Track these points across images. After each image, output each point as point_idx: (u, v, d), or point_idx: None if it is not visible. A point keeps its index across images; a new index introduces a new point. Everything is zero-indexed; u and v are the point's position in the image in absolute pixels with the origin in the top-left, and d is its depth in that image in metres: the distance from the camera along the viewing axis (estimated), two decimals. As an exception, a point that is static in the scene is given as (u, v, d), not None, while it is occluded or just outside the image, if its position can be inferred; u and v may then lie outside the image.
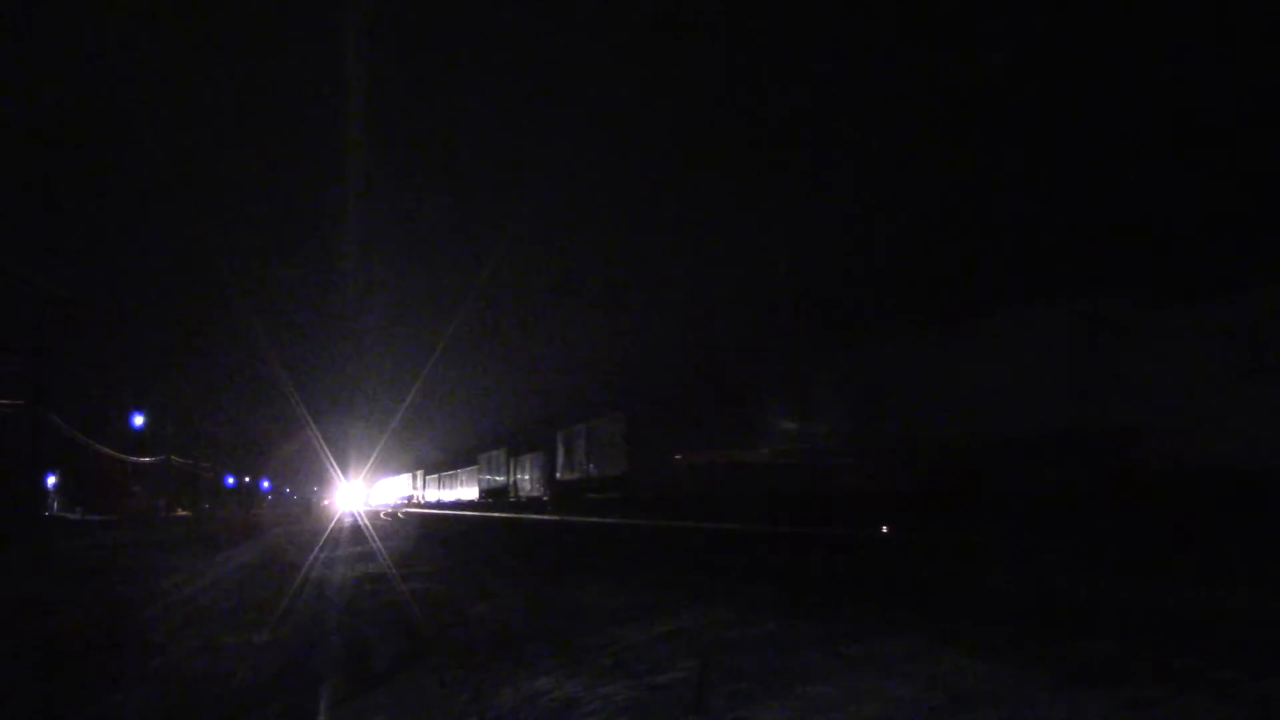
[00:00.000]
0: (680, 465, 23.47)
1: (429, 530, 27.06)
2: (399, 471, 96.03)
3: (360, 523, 33.89)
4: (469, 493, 58.89)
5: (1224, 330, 9.77)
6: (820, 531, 14.03)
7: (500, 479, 48.82)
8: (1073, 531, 10.36)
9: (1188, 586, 6.73)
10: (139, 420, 53.57)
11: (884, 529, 13.38)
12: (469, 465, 59.88)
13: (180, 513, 56.95)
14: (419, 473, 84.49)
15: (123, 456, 51.08)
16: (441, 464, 73.75)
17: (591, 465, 31.32)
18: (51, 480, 44.95)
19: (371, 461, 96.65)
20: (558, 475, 35.87)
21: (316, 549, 18.67)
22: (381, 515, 49.56)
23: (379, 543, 19.53)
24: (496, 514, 38.70)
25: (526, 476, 43.29)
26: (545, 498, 38.31)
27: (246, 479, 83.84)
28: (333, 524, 34.79)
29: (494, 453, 51.49)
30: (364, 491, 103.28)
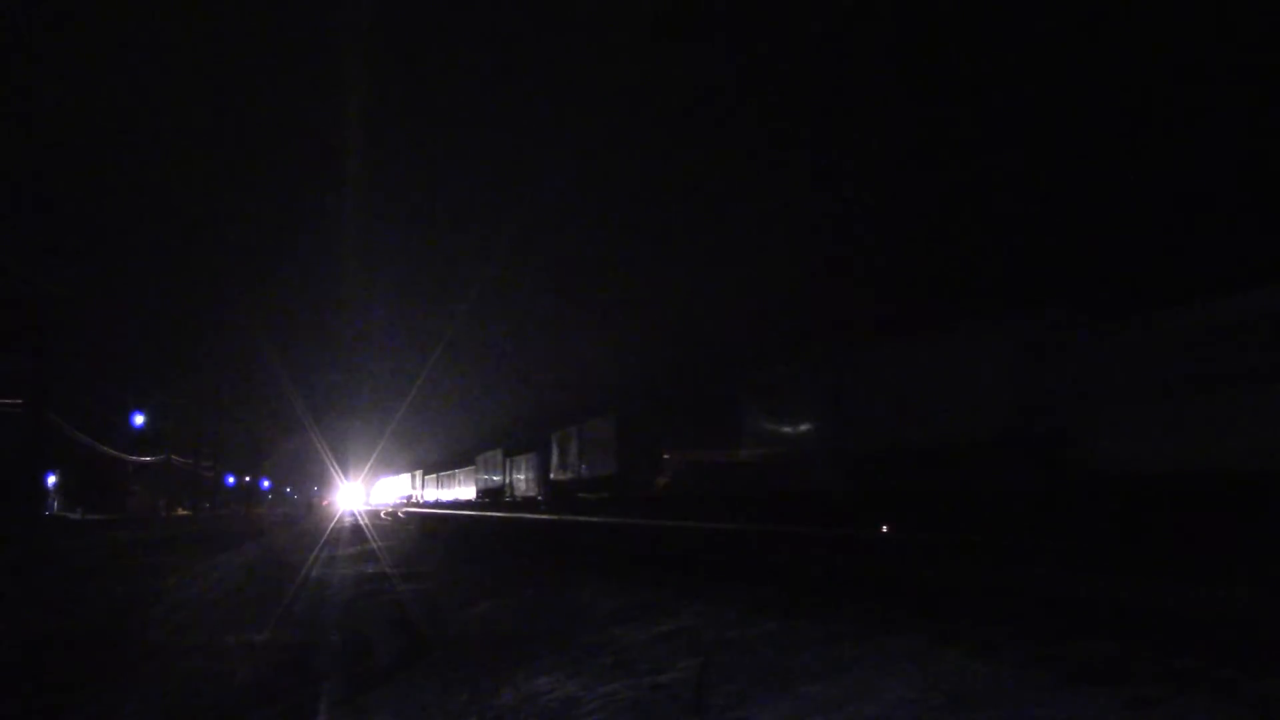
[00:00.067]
0: (668, 465, 24.27)
1: (428, 530, 27.07)
2: (398, 471, 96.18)
3: (360, 522, 33.92)
4: (466, 492, 59.29)
5: (1162, 343, 10.30)
6: (819, 532, 14.05)
7: (497, 478, 49.24)
8: (1013, 530, 10.86)
9: (1188, 586, 6.73)
10: (139, 419, 53.60)
11: (884, 529, 13.38)
12: (467, 465, 60.26)
13: (180, 512, 56.97)
14: (418, 472, 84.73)
15: (123, 456, 51.11)
16: (440, 464, 74.08)
17: (584, 466, 31.97)
18: (52, 480, 44.97)
19: (371, 461, 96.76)
20: (552, 475, 36.54)
21: (317, 548, 18.68)
22: (382, 515, 49.63)
23: (379, 542, 19.54)
24: (492, 513, 38.99)
25: (522, 476, 43.88)
26: (540, 497, 38.80)
27: (247, 478, 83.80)
28: (333, 523, 34.80)
29: (491, 453, 51.94)
30: (364, 491, 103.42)
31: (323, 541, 21.16)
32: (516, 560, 13.47)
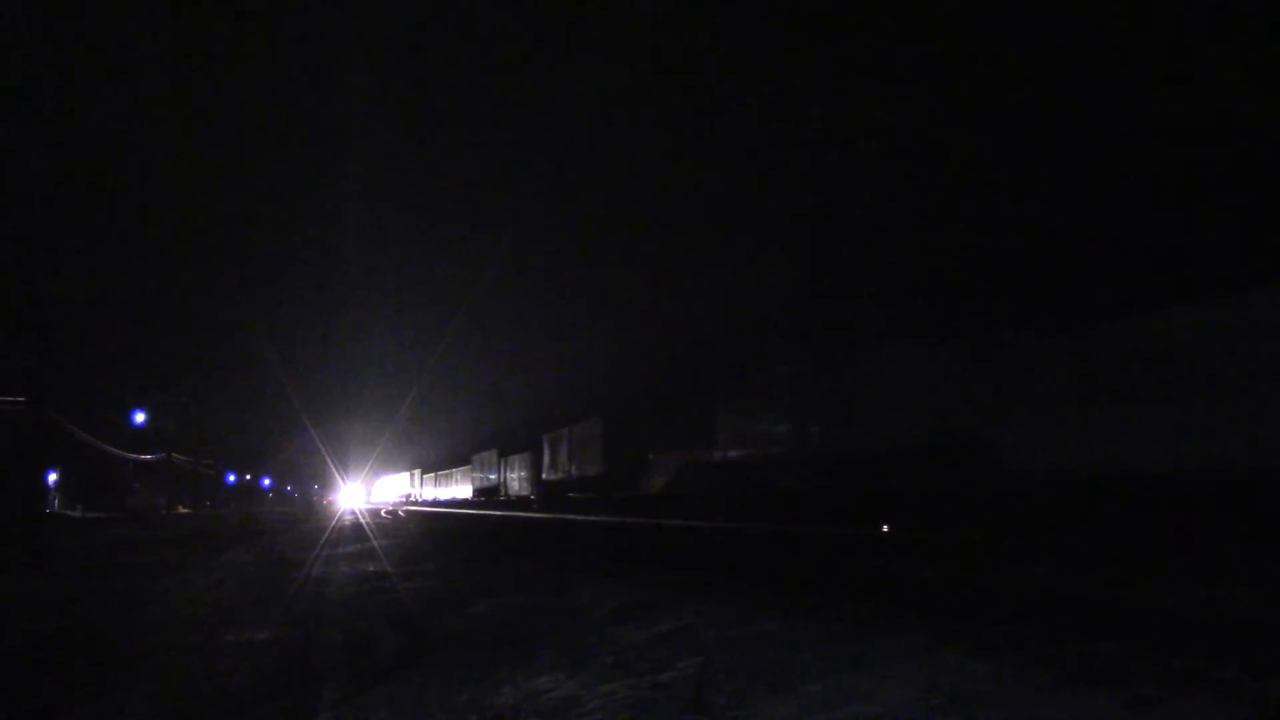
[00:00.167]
0: (653, 466, 25.38)
1: (428, 528, 27.10)
2: (398, 470, 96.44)
3: (361, 521, 33.97)
4: (463, 491, 60.16)
5: (1067, 359, 11.81)
6: (818, 531, 14.17)
7: (493, 478, 50.15)
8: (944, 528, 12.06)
9: (1189, 586, 6.75)
10: (140, 418, 53.63)
11: (884, 528, 13.46)
12: (463, 465, 60.94)
13: (181, 510, 56.97)
14: (417, 471, 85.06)
15: (124, 454, 51.12)
16: (438, 464, 74.57)
17: (573, 466, 32.87)
18: (52, 477, 44.97)
19: (372, 461, 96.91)
20: (544, 475, 37.54)
21: (318, 547, 18.69)
22: (382, 513, 49.73)
23: (380, 541, 19.56)
24: (488, 511, 39.64)
25: (515, 476, 44.91)
26: (532, 496, 39.76)
27: (248, 476, 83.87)
28: (334, 522, 34.84)
29: (487, 453, 52.85)
30: (364, 490, 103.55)
31: (323, 540, 21.17)
32: (516, 559, 13.48)
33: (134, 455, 52.93)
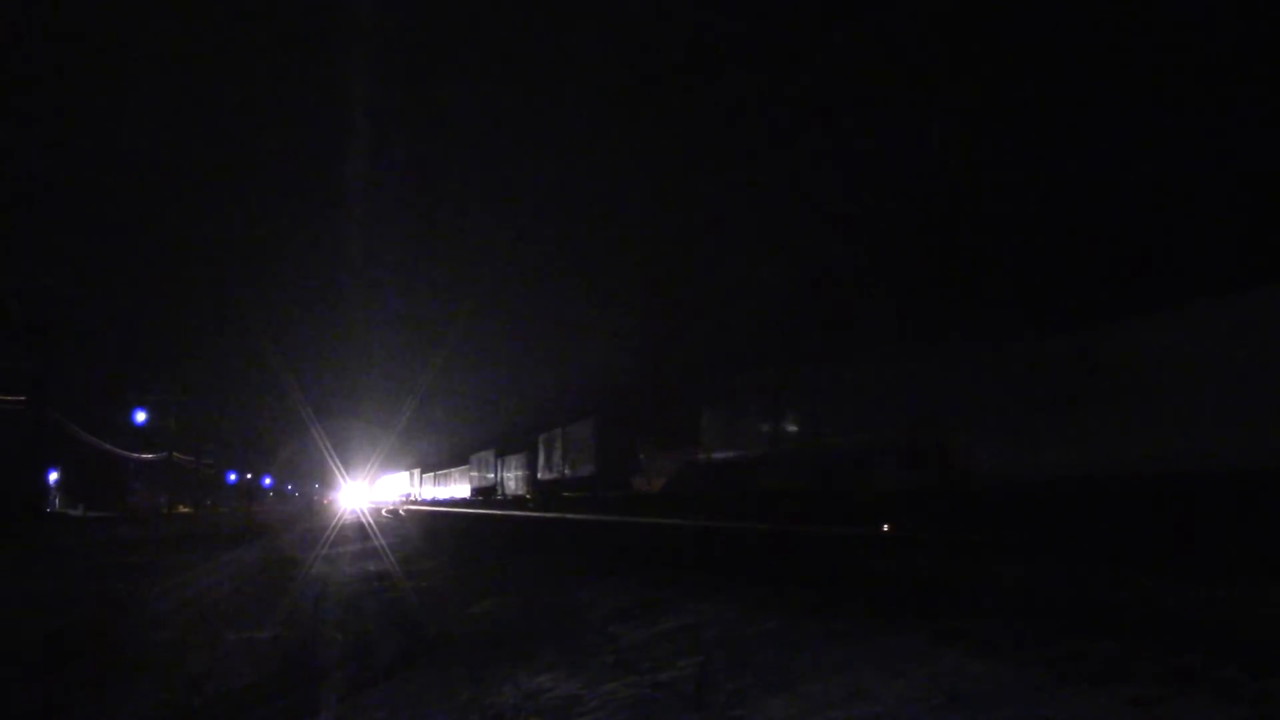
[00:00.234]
0: (644, 465, 25.91)
1: (427, 527, 27.13)
2: (398, 470, 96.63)
3: (363, 520, 34.00)
4: (461, 491, 60.57)
5: (1030, 367, 12.41)
6: (818, 531, 14.21)
7: (490, 477, 50.61)
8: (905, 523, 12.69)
9: (1189, 586, 6.74)
10: (141, 417, 53.64)
11: (885, 528, 13.48)
12: (462, 465, 61.45)
13: (182, 509, 56.98)
14: (416, 471, 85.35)
15: (124, 453, 51.14)
16: (437, 463, 74.94)
17: (567, 466, 33.35)
18: (53, 477, 44.98)
19: (373, 461, 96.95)
20: (539, 475, 38.07)
21: (319, 546, 18.71)
22: (384, 512, 49.84)
23: (381, 540, 19.58)
24: (485, 510, 40.01)
25: (512, 475, 45.47)
26: (528, 495, 40.29)
27: (248, 475, 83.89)
28: (336, 521, 34.86)
29: (484, 453, 53.31)
30: (366, 489, 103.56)
31: (324, 540, 21.18)
32: (514, 558, 13.48)
33: (135, 455, 52.96)
